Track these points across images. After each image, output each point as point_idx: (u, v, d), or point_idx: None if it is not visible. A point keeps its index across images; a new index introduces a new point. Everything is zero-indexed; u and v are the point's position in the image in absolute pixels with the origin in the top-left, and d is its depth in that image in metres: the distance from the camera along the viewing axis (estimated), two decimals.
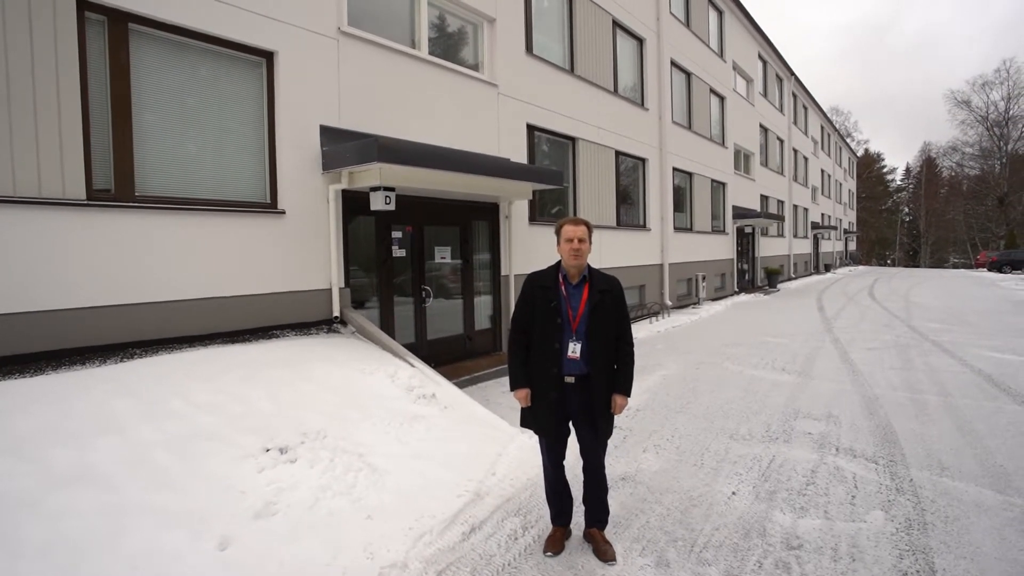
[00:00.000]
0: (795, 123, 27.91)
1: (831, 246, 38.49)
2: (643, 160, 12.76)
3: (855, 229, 50.49)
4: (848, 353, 8.45)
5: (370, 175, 5.61)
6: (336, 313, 6.02)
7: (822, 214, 35.05)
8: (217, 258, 5.13)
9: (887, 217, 64.13)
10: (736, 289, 18.50)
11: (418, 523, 3.20)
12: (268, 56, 5.58)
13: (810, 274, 30.65)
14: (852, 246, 49.93)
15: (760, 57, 22.11)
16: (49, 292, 4.21)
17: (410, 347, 6.28)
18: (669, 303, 13.27)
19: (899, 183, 66.56)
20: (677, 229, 14.25)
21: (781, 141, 25.45)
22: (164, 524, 2.84)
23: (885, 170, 66.48)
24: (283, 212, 5.61)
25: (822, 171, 35.32)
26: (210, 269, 5.09)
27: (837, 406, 5.74)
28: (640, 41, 12.74)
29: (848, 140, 51.74)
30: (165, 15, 4.79)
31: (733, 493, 3.80)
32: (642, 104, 12.68)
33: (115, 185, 4.62)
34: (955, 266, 48.78)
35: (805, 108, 30.49)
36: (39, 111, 4.13)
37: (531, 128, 9.07)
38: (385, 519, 3.20)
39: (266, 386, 4.32)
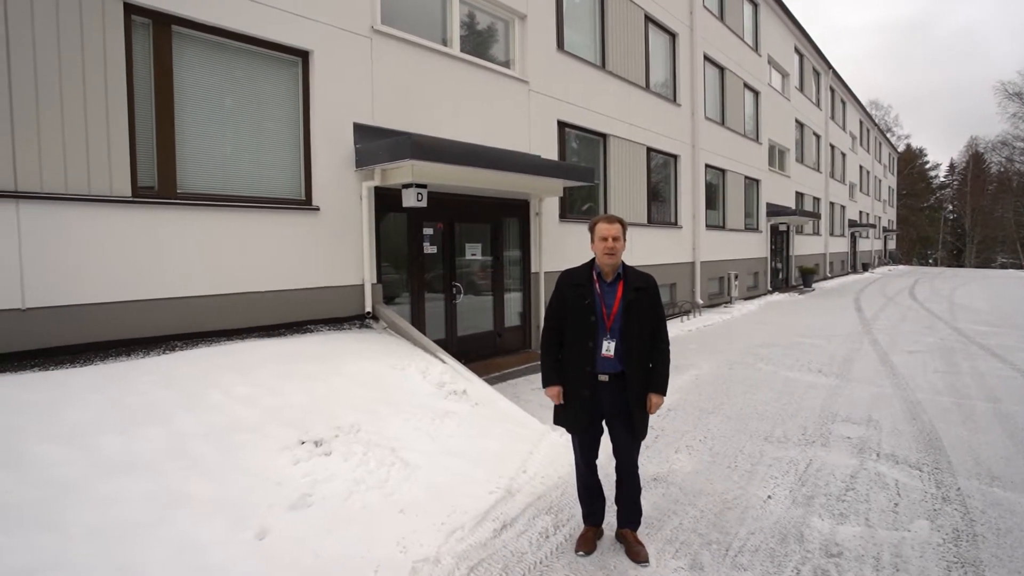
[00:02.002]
0: (832, 118, 27.12)
1: (869, 245, 37.31)
2: (675, 157, 12.57)
3: (895, 227, 48.81)
4: (888, 356, 8.19)
5: (402, 172, 5.65)
6: (368, 309, 6.10)
7: (860, 212, 34.01)
8: (254, 254, 5.25)
9: (929, 215, 61.79)
10: (769, 288, 18.10)
11: (450, 519, 3.22)
12: (303, 55, 5.67)
13: (847, 273, 29.78)
14: (891, 245, 48.31)
15: (796, 50, 21.53)
16: (97, 286, 4.37)
17: (440, 343, 6.32)
18: (700, 302, 13.06)
19: (943, 179, 64.07)
20: (709, 227, 13.99)
21: (818, 136, 24.76)
22: (204, 512, 2.92)
23: (928, 166, 64.05)
24: (317, 209, 5.71)
25: (860, 167, 34.24)
26: (247, 265, 5.20)
27: (877, 410, 5.56)
28: (673, 36, 12.54)
29: (888, 135, 50.07)
30: (206, 17, 4.91)
31: (769, 497, 3.72)
32: (674, 100, 12.49)
33: (158, 182, 4.76)
34: (1003, 266, 46.77)
35: (843, 102, 29.59)
36: (89, 112, 4.29)
37: (562, 125, 9.02)
38: (417, 514, 3.22)
39: (301, 380, 4.41)
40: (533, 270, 8.29)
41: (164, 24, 4.76)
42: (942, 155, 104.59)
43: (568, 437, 3.97)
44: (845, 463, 4.26)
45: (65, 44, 4.17)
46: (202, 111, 5.06)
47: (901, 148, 57.94)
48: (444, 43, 7.19)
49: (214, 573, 2.57)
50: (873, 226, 35.89)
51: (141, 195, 4.61)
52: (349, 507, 3.18)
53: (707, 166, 13.84)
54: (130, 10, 4.53)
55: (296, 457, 3.48)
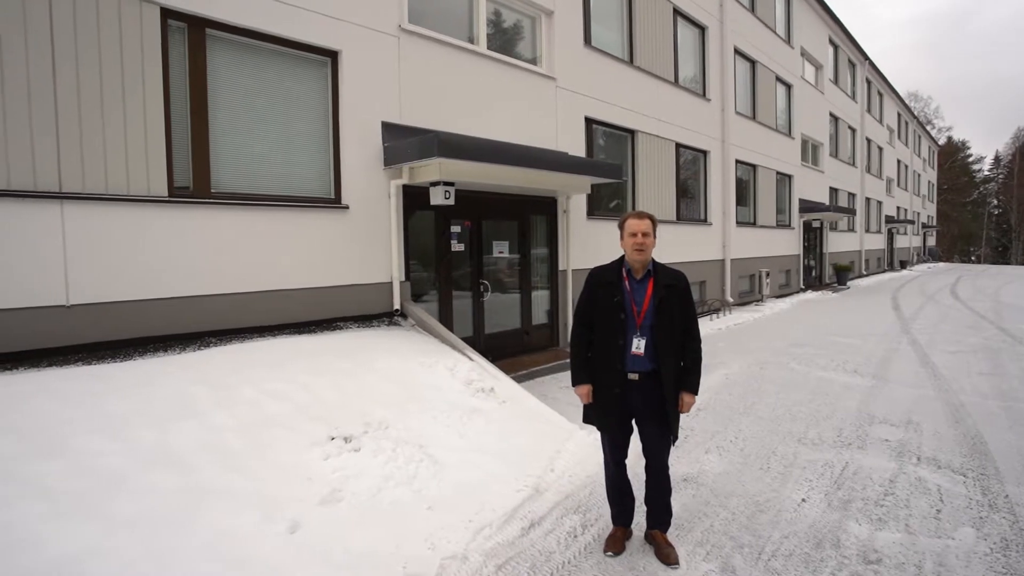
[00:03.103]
0: (869, 111, 26.29)
1: (907, 241, 36.10)
2: (704, 152, 12.36)
3: (935, 223, 47.13)
4: (929, 356, 7.90)
5: (430, 170, 5.68)
6: (397, 306, 6.15)
7: (898, 207, 32.91)
8: (285, 252, 5.34)
9: (972, 210, 59.46)
10: (802, 286, 17.67)
11: (478, 516, 3.22)
12: (332, 55, 5.74)
13: (883, 271, 28.87)
14: (931, 241, 46.67)
15: (831, 42, 20.93)
16: (135, 283, 4.50)
17: (468, 341, 6.34)
18: (731, 300, 12.82)
19: (987, 173, 61.58)
20: (740, 223, 13.72)
21: (853, 130, 24.04)
22: (238, 505, 2.98)
23: (971, 159, 61.64)
24: (347, 207, 5.77)
25: (898, 161, 33.13)
26: (278, 262, 5.30)
27: (917, 412, 5.37)
28: (702, 29, 12.31)
29: (928, 128, 48.32)
30: (238, 19, 5.00)
31: (803, 500, 3.62)
32: (704, 94, 12.27)
33: (193, 182, 4.88)
34: None
35: (880, 95, 28.64)
36: (128, 115, 4.41)
37: (589, 121, 8.94)
38: (446, 511, 3.23)
39: (331, 376, 4.47)
40: (560, 268, 8.25)
41: (198, 28, 4.86)
42: (986, 148, 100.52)
43: (597, 436, 3.93)
44: (883, 467, 4.12)
45: (105, 50, 4.30)
46: (234, 112, 5.16)
47: (942, 141, 55.89)
48: (471, 41, 7.20)
49: (248, 565, 2.62)
50: (912, 222, 34.73)
51: (177, 195, 4.73)
52: (378, 503, 3.21)
53: (737, 162, 13.57)
54: (166, 15, 4.64)
55: (326, 453, 3.53)
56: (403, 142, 5.85)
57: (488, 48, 7.33)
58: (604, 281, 2.99)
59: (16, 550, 2.40)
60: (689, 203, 12.04)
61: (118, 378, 3.92)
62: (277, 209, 5.29)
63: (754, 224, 14.61)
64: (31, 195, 4.00)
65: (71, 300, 4.21)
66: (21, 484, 2.76)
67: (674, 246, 10.85)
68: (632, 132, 9.97)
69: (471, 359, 5.48)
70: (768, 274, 14.80)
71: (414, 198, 6.31)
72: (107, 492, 2.85)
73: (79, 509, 2.69)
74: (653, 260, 3.02)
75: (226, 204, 4.97)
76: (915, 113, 41.16)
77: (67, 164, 4.15)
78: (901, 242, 34.33)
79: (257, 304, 5.18)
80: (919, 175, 39.79)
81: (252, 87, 5.27)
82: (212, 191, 4.97)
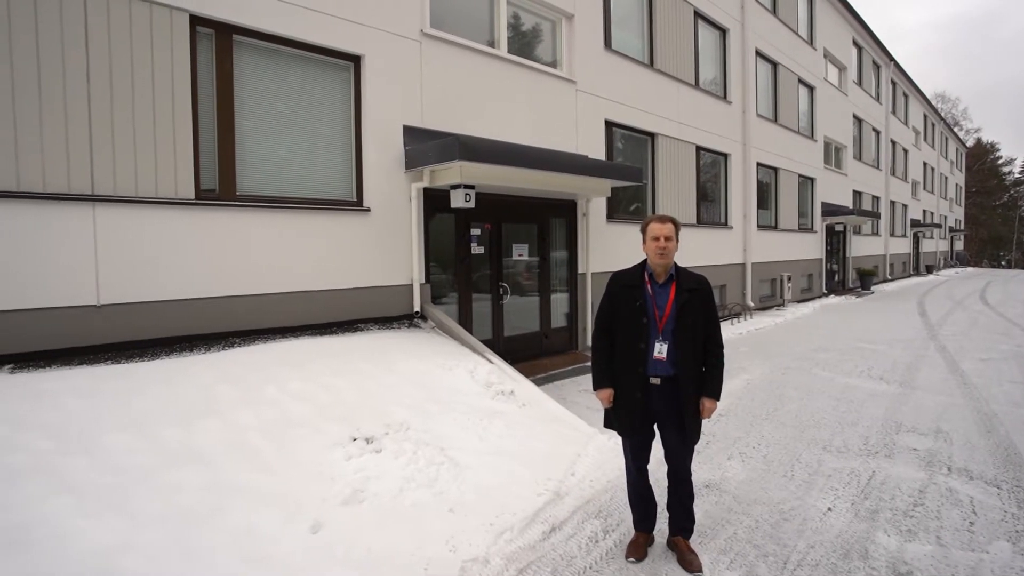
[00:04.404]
0: (893, 112, 25.78)
1: (934, 245, 35.29)
2: (725, 155, 12.23)
3: (962, 227, 46.00)
4: (958, 363, 7.71)
5: (451, 173, 5.70)
6: (417, 308, 6.18)
7: (924, 211, 32.19)
8: (308, 254, 5.40)
9: (1002, 213, 57.93)
10: (824, 291, 17.37)
11: (499, 519, 3.22)
12: (355, 60, 5.80)
13: (909, 276, 28.26)
14: (959, 245, 45.58)
15: (855, 43, 20.58)
16: (162, 284, 4.59)
17: (487, 343, 6.34)
18: (751, 304, 12.66)
19: (1017, 176, 59.92)
20: (760, 227, 13.55)
21: (877, 132, 23.59)
22: (260, 504, 3.01)
23: (1000, 161, 60.03)
24: (368, 210, 5.82)
25: (924, 164, 32.42)
26: (301, 264, 5.36)
27: (947, 421, 5.24)
28: (723, 31, 12.21)
29: (956, 129, 47.24)
30: (264, 25, 5.09)
31: (829, 509, 3.55)
32: (724, 97, 12.15)
33: (219, 185, 4.97)
34: None
35: (905, 96, 28.08)
36: (157, 119, 4.51)
37: (609, 124, 8.91)
38: (466, 513, 3.23)
39: (352, 377, 4.50)
40: (580, 271, 8.22)
41: (226, 34, 4.95)
42: (1017, 150, 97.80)
43: (617, 440, 3.90)
44: (912, 476, 4.03)
45: (137, 57, 4.40)
46: (259, 116, 5.24)
47: (970, 143, 54.60)
48: (491, 44, 7.22)
49: (270, 563, 2.64)
50: (938, 226, 33.92)
51: (203, 197, 4.81)
52: (399, 504, 3.22)
53: (759, 164, 13.41)
54: (195, 21, 4.74)
55: (348, 453, 3.55)
56: (424, 145, 5.89)
57: (509, 52, 7.35)
58: (626, 285, 2.98)
59: (52, 543, 2.46)
60: (709, 206, 11.93)
61: (145, 377, 3.99)
62: (300, 211, 5.36)
63: (775, 228, 14.42)
64: (65, 197, 4.10)
65: (101, 300, 4.30)
66: (54, 479, 2.83)
67: (694, 250, 10.75)
68: (652, 135, 9.91)
69: (491, 362, 5.48)
70: (790, 278, 14.58)
71: (434, 201, 6.34)
72: (134, 488, 2.90)
73: (108, 504, 2.75)
74: (675, 264, 3.00)
75: (251, 207, 5.05)
76: (942, 115, 40.28)
77: (99, 167, 4.25)
78: (927, 246, 33.57)
79: (280, 305, 5.24)
80: (946, 178, 38.91)
81: (277, 91, 5.35)
82: (237, 193, 5.05)
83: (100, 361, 4.19)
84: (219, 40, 4.93)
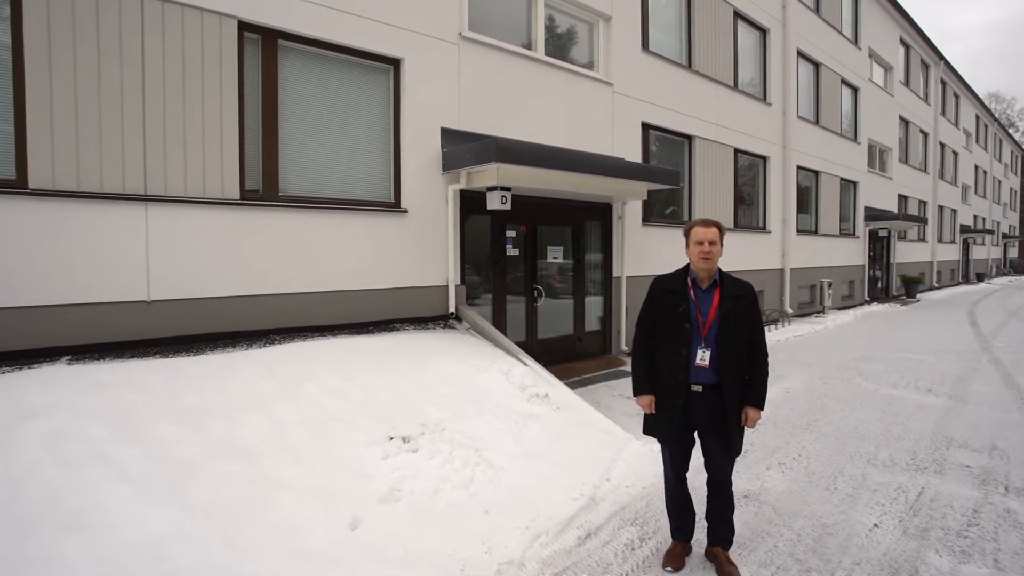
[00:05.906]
0: (943, 114, 24.79)
1: (985, 252, 33.77)
2: (764, 158, 11.97)
3: (1017, 233, 43.89)
4: (1014, 377, 7.35)
5: (488, 175, 5.73)
6: (452, 309, 6.23)
7: (975, 216, 30.84)
8: (346, 254, 5.50)
9: None
10: (867, 298, 16.81)
11: (534, 523, 3.21)
12: (395, 63, 5.89)
13: (957, 284, 27.12)
14: (1013, 253, 43.51)
15: (902, 42, 19.86)
16: (209, 281, 4.73)
17: (521, 345, 6.34)
18: (790, 311, 12.34)
19: None
20: (800, 232, 13.20)
21: (925, 135, 22.71)
22: (301, 499, 3.07)
23: None
24: (406, 211, 5.90)
25: (976, 167, 31.05)
26: (340, 264, 5.46)
27: (1003, 438, 5.00)
28: (763, 32, 11.95)
29: (1011, 131, 45.11)
30: (308, 30, 5.21)
31: (875, 525, 3.43)
32: (764, 99, 11.89)
33: (263, 186, 5.10)
34: None
35: (956, 96, 26.96)
36: (206, 122, 4.66)
37: (646, 126, 8.82)
38: (502, 516, 3.23)
39: (389, 376, 4.56)
40: (615, 274, 8.16)
41: (271, 39, 5.09)
42: None
43: (653, 446, 3.86)
44: (966, 495, 3.85)
45: (188, 62, 4.56)
46: (301, 118, 5.37)
47: None
48: (528, 47, 7.24)
49: (313, 558, 2.69)
50: (991, 232, 32.45)
51: (248, 198, 4.95)
52: (435, 504, 3.24)
53: (799, 168, 13.07)
54: (243, 27, 4.88)
55: (385, 452, 3.59)
56: (461, 147, 5.93)
57: (546, 54, 7.35)
58: (668, 290, 2.93)
59: (108, 529, 2.56)
60: (747, 210, 11.69)
61: (191, 371, 4.12)
62: (339, 212, 5.46)
63: (815, 232, 14.02)
64: (121, 197, 4.28)
65: (152, 296, 4.47)
66: (108, 467, 2.94)
67: (731, 254, 10.42)
68: (689, 137, 9.77)
69: (525, 364, 5.48)
70: (830, 284, 14.16)
71: (470, 202, 6.38)
72: (183, 479, 3.00)
73: (159, 493, 2.84)
74: (719, 269, 2.94)
75: (293, 207, 5.17)
76: (996, 115, 38.53)
77: (152, 167, 4.42)
78: (978, 253, 32.14)
79: (319, 304, 5.35)
80: (999, 182, 37.19)
81: (318, 95, 5.47)
82: (280, 194, 5.18)
83: (150, 355, 4.35)
84: (265, 45, 5.07)
